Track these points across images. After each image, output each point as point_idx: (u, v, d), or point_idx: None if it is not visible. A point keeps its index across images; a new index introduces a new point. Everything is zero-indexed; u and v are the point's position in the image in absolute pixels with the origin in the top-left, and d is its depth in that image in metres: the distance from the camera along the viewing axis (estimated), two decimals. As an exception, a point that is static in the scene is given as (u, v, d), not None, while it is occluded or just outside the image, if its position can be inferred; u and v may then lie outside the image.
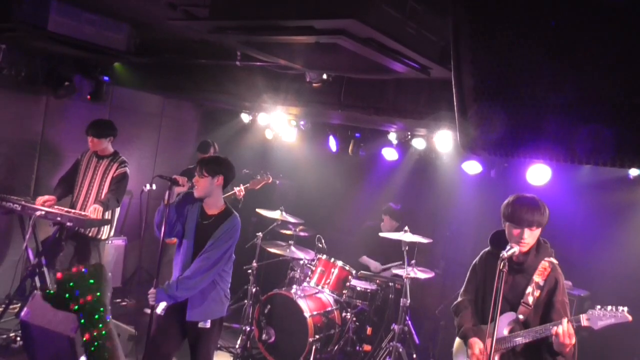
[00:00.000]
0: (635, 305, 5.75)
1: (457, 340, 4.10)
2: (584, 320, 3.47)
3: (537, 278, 3.73)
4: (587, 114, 1.72)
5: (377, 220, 7.51)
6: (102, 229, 6.26)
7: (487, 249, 4.09)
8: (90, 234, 6.19)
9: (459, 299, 4.12)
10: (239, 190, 7.17)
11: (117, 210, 6.54)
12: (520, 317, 3.72)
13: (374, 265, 7.35)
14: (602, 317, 3.44)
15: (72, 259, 6.26)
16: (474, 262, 4.14)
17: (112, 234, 6.53)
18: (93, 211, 5.99)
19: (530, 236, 3.66)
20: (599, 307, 3.49)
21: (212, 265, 4.46)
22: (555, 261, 3.80)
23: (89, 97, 7.32)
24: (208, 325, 4.54)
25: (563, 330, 3.41)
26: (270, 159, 9.17)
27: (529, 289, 3.73)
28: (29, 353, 3.18)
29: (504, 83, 1.93)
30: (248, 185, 7.36)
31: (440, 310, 7.09)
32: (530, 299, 3.72)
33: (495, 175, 6.78)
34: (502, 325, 3.74)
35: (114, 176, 6.35)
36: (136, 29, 5.48)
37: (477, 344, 3.79)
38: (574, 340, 3.44)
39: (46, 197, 6.17)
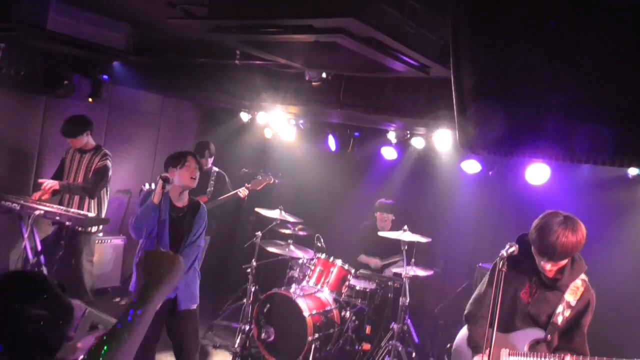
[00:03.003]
0: (635, 304, 5.77)
1: (459, 336, 3.97)
2: None
3: (569, 297, 3.53)
4: (587, 113, 1.73)
5: (373, 219, 7.51)
6: None
7: None
8: (78, 228, 6.20)
9: (474, 305, 3.87)
10: (243, 190, 7.20)
11: (105, 204, 6.66)
12: (549, 336, 3.52)
13: (374, 262, 7.33)
14: None
15: (62, 253, 6.26)
16: (493, 264, 3.81)
17: (100, 227, 6.64)
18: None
19: (555, 265, 3.45)
20: None
21: (198, 252, 4.95)
22: (587, 278, 3.61)
23: (90, 99, 7.32)
24: (194, 306, 4.88)
25: None
26: (269, 158, 9.17)
27: (560, 308, 3.53)
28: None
29: (503, 82, 1.94)
30: (250, 185, 7.36)
31: (440, 309, 7.09)
32: (560, 319, 3.53)
33: (493, 175, 6.78)
34: (524, 340, 3.56)
35: (95, 168, 6.39)
36: (135, 28, 5.47)
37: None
38: None
39: (40, 192, 6.22)
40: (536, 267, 3.57)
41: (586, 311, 3.55)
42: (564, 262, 3.47)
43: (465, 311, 3.93)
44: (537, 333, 3.58)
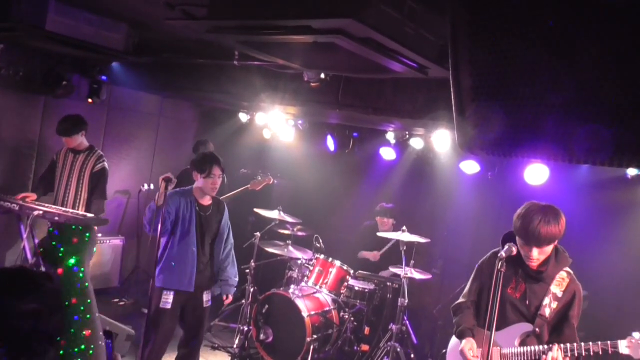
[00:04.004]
0: (634, 304, 5.77)
1: (453, 340, 4.00)
2: (622, 347, 3.26)
3: (555, 289, 3.56)
4: (586, 113, 1.72)
5: (375, 220, 7.51)
6: None
7: (495, 249, 3.88)
8: None
9: (461, 299, 3.96)
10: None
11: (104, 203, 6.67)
12: (537, 329, 3.55)
13: (373, 254, 7.31)
14: None
15: None
16: (480, 261, 3.96)
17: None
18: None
19: (541, 253, 3.47)
20: (637, 334, 3.26)
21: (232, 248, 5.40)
22: (571, 271, 3.64)
23: (90, 100, 7.31)
24: (210, 302, 5.25)
25: (553, 359, 3.35)
26: (268, 159, 9.17)
27: (546, 300, 3.56)
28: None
29: (502, 82, 1.93)
30: (249, 186, 7.36)
31: (438, 310, 7.08)
32: (547, 311, 3.56)
33: (492, 176, 6.78)
34: (514, 335, 3.59)
35: (93, 172, 6.42)
36: (134, 29, 5.47)
37: (469, 343, 3.67)
38: None
39: (26, 193, 6.25)
40: (521, 260, 3.58)
41: (573, 302, 3.58)
42: (549, 249, 3.50)
43: (452, 307, 4.00)
44: (526, 327, 3.61)
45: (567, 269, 3.63)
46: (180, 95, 8.39)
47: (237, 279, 5.43)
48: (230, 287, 5.35)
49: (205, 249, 5.16)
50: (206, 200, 5.14)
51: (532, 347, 3.50)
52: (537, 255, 3.48)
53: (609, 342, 3.30)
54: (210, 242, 5.21)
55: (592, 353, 3.32)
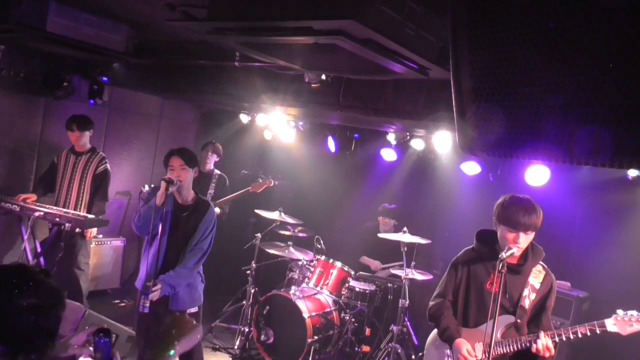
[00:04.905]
0: (634, 305, 5.76)
1: (432, 340, 4.07)
2: (610, 325, 3.39)
3: (533, 281, 3.70)
4: (586, 114, 1.72)
5: (376, 221, 7.51)
6: None
7: (468, 247, 4.00)
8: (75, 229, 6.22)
9: (437, 300, 3.99)
10: (220, 212, 7.12)
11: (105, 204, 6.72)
12: (519, 320, 3.66)
13: (374, 264, 7.33)
14: (631, 322, 3.36)
15: (61, 256, 6.25)
16: (454, 259, 4.01)
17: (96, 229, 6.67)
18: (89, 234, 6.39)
19: (525, 240, 3.59)
20: (621, 311, 3.39)
21: (203, 254, 4.76)
22: (544, 264, 3.79)
23: (92, 101, 7.31)
24: (196, 309, 4.81)
25: (543, 345, 3.45)
26: (269, 160, 9.17)
27: (526, 292, 3.68)
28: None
29: (502, 84, 1.93)
30: (249, 188, 7.36)
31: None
32: (527, 302, 3.68)
33: (493, 178, 6.77)
34: (497, 328, 3.65)
35: (95, 173, 6.43)
36: (135, 30, 5.48)
37: (464, 344, 3.71)
38: (553, 352, 3.47)
39: (26, 194, 6.29)
40: (497, 255, 3.60)
41: (550, 293, 3.73)
42: (531, 237, 3.61)
43: (429, 309, 4.02)
44: (508, 319, 3.70)
45: (541, 262, 3.77)
46: (181, 97, 8.39)
47: (175, 279, 4.55)
48: (159, 281, 4.48)
49: (179, 249, 4.74)
50: (185, 200, 4.79)
51: (520, 338, 3.60)
52: (523, 243, 3.58)
53: (595, 322, 3.43)
54: (184, 243, 4.74)
55: (580, 335, 3.45)
